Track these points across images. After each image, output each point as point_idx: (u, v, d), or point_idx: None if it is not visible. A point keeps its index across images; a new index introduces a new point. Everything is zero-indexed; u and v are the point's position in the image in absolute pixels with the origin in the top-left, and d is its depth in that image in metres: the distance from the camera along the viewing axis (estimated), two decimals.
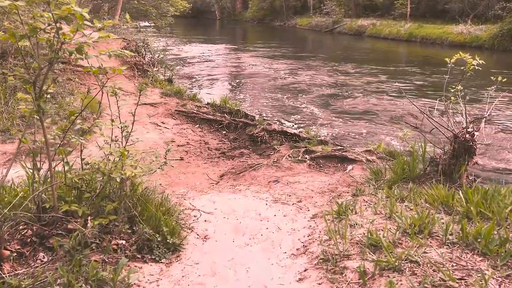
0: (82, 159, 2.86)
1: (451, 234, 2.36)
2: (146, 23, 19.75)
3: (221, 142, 7.10)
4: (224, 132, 7.60)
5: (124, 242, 2.48)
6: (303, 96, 12.10)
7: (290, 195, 4.03)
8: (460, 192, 2.87)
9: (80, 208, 2.42)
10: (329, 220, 2.99)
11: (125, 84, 8.90)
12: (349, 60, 19.33)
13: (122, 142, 3.23)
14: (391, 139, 8.29)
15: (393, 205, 2.88)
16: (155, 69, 9.76)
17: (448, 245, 2.29)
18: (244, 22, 47.17)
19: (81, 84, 8.27)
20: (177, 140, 6.84)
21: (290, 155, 5.91)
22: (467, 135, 3.95)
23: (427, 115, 4.36)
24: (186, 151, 6.38)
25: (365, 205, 3.22)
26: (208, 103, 8.67)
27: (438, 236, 2.39)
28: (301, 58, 19.70)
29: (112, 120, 3.08)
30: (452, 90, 4.37)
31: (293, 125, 9.37)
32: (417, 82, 13.96)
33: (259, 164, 5.32)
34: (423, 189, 3.41)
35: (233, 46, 25.82)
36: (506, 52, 20.55)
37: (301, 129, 7.70)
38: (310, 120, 9.65)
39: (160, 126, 7.36)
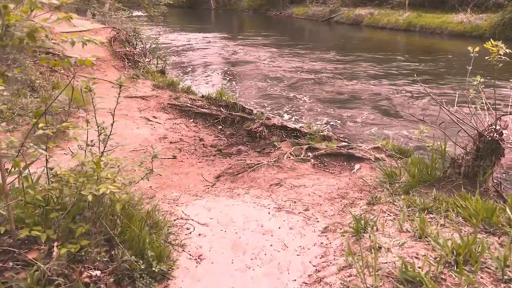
0: (49, 170, 2.37)
1: (507, 267, 1.91)
2: (140, 13, 19.09)
3: (217, 138, 6.62)
4: (220, 127, 7.13)
5: (99, 272, 2.03)
6: (300, 86, 11.62)
7: (295, 202, 3.58)
8: (507, 209, 2.41)
9: (43, 232, 1.96)
10: (345, 237, 2.54)
11: (114, 75, 8.39)
12: (346, 50, 18.81)
13: (100, 147, 2.75)
14: (395, 132, 7.85)
15: (423, 222, 2.43)
16: (146, 59, 9.22)
17: (506, 283, 1.85)
18: (240, 12, 46.35)
19: (67, 76, 7.74)
20: (169, 136, 6.36)
21: (292, 153, 5.46)
22: (495, 134, 3.50)
23: (447, 109, 3.91)
24: (179, 149, 5.91)
25: (386, 217, 2.77)
26: (203, 96, 8.18)
27: (490, 269, 1.95)
28: (298, 49, 19.15)
29: (88, 121, 2.60)
30: (475, 83, 3.91)
31: (291, 118, 8.91)
32: (415, 70, 13.51)
33: (258, 164, 4.86)
34: (450, 197, 2.97)
35: (228, 36, 25.18)
36: (507, 41, 19.91)
37: (302, 124, 7.22)
38: (309, 111, 9.19)
39: (151, 121, 6.87)
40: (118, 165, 2.55)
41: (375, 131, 7.99)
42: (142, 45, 9.52)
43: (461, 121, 3.90)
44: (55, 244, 1.96)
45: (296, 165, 4.80)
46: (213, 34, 25.15)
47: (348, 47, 20.15)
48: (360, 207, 3.20)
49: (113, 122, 2.73)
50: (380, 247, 2.28)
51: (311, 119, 8.79)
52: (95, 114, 2.76)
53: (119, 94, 2.84)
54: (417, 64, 15.13)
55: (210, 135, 6.78)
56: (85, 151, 2.61)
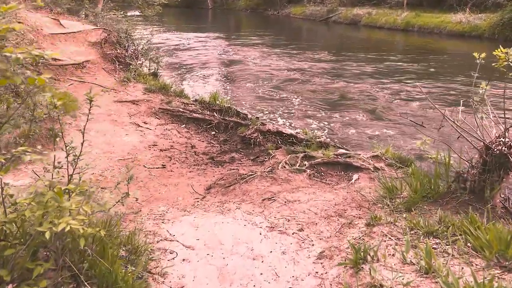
0: (8, 197, 2.09)
1: None
2: (136, 12, 18.80)
3: (209, 145, 6.37)
4: (213, 133, 6.87)
5: None
6: (296, 87, 11.37)
7: (289, 220, 3.33)
8: None
9: None
10: (342, 268, 2.29)
11: (105, 79, 8.13)
12: (343, 50, 18.57)
13: (70, 168, 2.49)
14: (393, 136, 7.61)
15: (429, 254, 2.17)
16: (138, 62, 8.95)
17: None
18: (237, 11, 46.10)
19: (55, 80, 7.47)
20: (160, 143, 6.10)
21: (287, 162, 5.21)
22: (503, 147, 3.26)
23: (451, 120, 3.66)
24: (169, 157, 5.65)
25: (387, 243, 2.53)
26: (196, 100, 7.92)
27: None
28: (294, 50, 18.90)
29: (55, 137, 2.34)
30: (480, 91, 3.67)
31: (285, 122, 8.66)
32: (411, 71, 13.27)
33: (251, 174, 4.61)
34: (457, 217, 2.72)
35: (224, 36, 24.91)
36: (507, 42, 19.87)
37: (298, 130, 6.97)
38: (304, 114, 8.95)
39: (141, 126, 6.61)
40: (87, 190, 2.27)
41: (373, 135, 7.75)
42: (134, 47, 9.24)
43: (466, 132, 3.66)
44: (9, 286, 1.71)
45: (291, 176, 4.55)
46: (209, 34, 24.88)
47: (345, 47, 19.92)
48: (359, 228, 2.95)
49: (82, 142, 2.46)
50: (381, 286, 2.03)
51: (306, 123, 8.54)
52: (62, 135, 2.49)
53: (89, 110, 2.56)
54: (415, 64, 14.90)
55: (203, 141, 6.52)
56: (52, 174, 2.34)
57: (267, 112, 9.27)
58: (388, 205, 3.50)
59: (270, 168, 5.04)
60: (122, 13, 15.27)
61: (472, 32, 21.98)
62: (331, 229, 3.05)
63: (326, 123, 8.59)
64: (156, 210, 4.07)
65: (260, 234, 3.11)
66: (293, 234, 3.05)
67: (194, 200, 4.30)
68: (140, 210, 4.07)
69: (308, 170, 4.81)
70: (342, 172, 5.08)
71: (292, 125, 8.43)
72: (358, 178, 4.79)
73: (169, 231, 3.30)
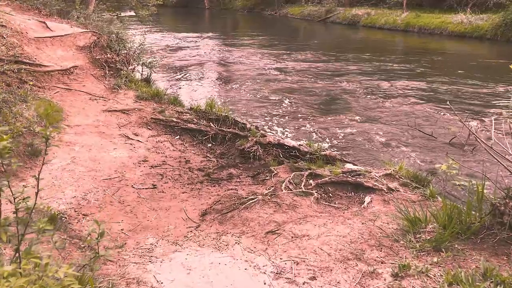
0: None
1: None
2: (132, 13, 18.25)
3: (205, 159, 5.87)
4: (210, 145, 6.37)
5: None
6: (295, 91, 10.88)
7: (298, 263, 2.83)
8: None
9: None
10: None
11: (93, 86, 7.61)
12: (342, 52, 18.09)
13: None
14: (403, 146, 7.13)
15: None
16: (130, 67, 8.43)
17: None
18: (234, 11, 45.60)
19: (39, 88, 6.94)
20: (151, 158, 5.59)
21: (291, 181, 4.72)
22: None
23: (483, 141, 3.17)
24: (161, 175, 5.14)
25: None
26: (191, 108, 7.41)
27: None
28: (291, 51, 18.41)
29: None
30: None
31: (284, 130, 8.17)
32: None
33: (252, 198, 4.10)
34: (506, 274, 2.23)
35: (221, 37, 24.42)
36: (510, 44, 19.48)
37: (301, 142, 6.47)
38: (304, 121, 8.45)
39: (131, 139, 6.10)
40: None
41: (381, 146, 7.26)
42: (125, 51, 8.71)
43: (500, 155, 3.18)
44: None
45: (296, 200, 4.05)
46: (205, 34, 24.37)
47: (344, 48, 19.43)
48: (384, 279, 2.46)
49: (37, 192, 1.95)
50: None
51: (306, 129, 8.05)
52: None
53: (44, 152, 2.05)
54: (420, 67, 14.43)
55: (198, 155, 6.02)
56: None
57: (265, 117, 8.77)
58: (412, 241, 3.01)
59: (272, 188, 4.55)
60: (116, 14, 14.78)
61: (474, 33, 21.53)
62: (350, 278, 2.56)
63: (327, 129, 8.09)
64: (143, 243, 3.57)
65: (265, 284, 2.61)
66: (304, 284, 2.56)
67: (187, 230, 3.80)
68: (125, 243, 3.57)
69: (315, 193, 4.32)
70: (353, 193, 4.59)
71: (291, 131, 7.93)
72: (371, 201, 4.30)
73: (156, 277, 2.79)
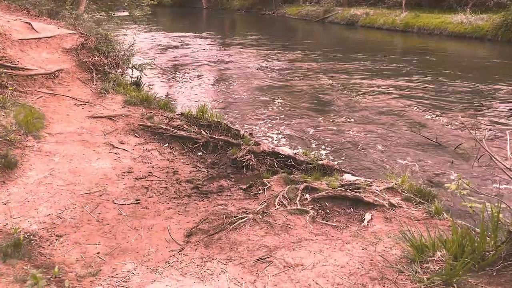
0: None
1: None
2: (125, 13, 17.87)
3: (195, 169, 5.52)
4: (200, 153, 6.03)
5: None
6: (292, 94, 10.54)
7: None
8: None
9: None
10: None
11: (79, 90, 7.25)
12: (341, 53, 17.75)
13: None
14: (404, 153, 6.78)
15: None
16: (119, 70, 8.06)
17: None
18: (232, 11, 45.24)
19: (21, 92, 6.57)
20: (136, 169, 5.24)
21: (286, 196, 4.37)
22: None
23: (498, 160, 2.83)
24: (146, 187, 4.79)
25: None
26: (181, 113, 7.06)
27: None
28: (290, 52, 18.07)
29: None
30: None
31: (278, 134, 7.82)
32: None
33: (242, 218, 3.75)
34: None
35: (217, 37, 24.07)
36: (510, 44, 19.17)
37: (296, 150, 6.13)
38: (299, 125, 8.09)
39: (116, 148, 5.74)
40: None
41: (380, 154, 6.91)
42: (115, 53, 8.35)
43: None
44: None
45: (290, 220, 3.71)
46: (201, 34, 24.02)
47: (344, 48, 19.10)
48: None
49: None
50: None
51: (301, 133, 7.70)
52: None
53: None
54: (420, 69, 14.10)
55: (187, 164, 5.67)
56: None
57: (258, 120, 8.42)
58: (419, 273, 2.67)
59: (265, 204, 4.20)
60: (109, 14, 14.39)
61: (474, 34, 21.24)
62: None
63: (323, 134, 7.75)
64: (120, 269, 3.22)
65: None
66: None
67: (170, 254, 3.45)
68: (100, 270, 3.22)
69: (311, 211, 3.97)
70: (351, 209, 4.25)
71: (285, 135, 7.58)
72: (372, 219, 3.97)
73: None
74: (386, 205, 4.14)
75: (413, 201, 4.25)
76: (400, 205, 4.17)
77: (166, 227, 3.93)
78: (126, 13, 17.70)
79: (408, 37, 23.55)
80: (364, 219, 3.99)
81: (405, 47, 20.82)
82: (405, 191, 4.41)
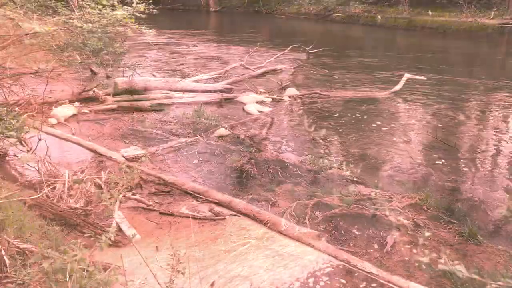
0: None
1: None
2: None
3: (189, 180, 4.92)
4: (196, 161, 5.45)
5: None
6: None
7: None
8: None
9: None
10: None
11: (64, 90, 6.67)
12: (342, 53, 17.19)
13: None
14: (416, 158, 6.17)
15: None
16: (109, 69, 7.47)
17: None
18: (230, 10, 44.61)
19: None
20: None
21: (293, 214, 3.79)
22: None
23: None
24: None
25: None
26: (176, 116, 6.49)
27: None
28: (288, 52, 17.50)
29: None
30: None
31: (282, 140, 7.21)
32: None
33: (243, 244, 3.17)
34: None
35: (215, 37, 23.49)
36: None
37: (302, 158, 5.51)
38: (305, 135, 7.49)
39: (103, 156, 5.16)
40: None
41: (396, 162, 6.28)
42: (105, 51, 7.75)
43: None
44: None
45: (299, 246, 3.12)
46: (198, 33, 23.43)
47: (344, 48, 18.52)
48: None
49: None
50: None
51: (309, 137, 7.09)
52: None
53: None
54: (429, 66, 13.52)
55: (181, 174, 5.09)
56: None
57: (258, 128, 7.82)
58: None
59: (269, 224, 3.62)
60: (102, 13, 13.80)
61: (480, 31, 20.67)
62: None
63: (328, 138, 7.14)
64: None
65: None
66: None
67: None
68: None
69: (324, 237, 3.37)
70: (370, 230, 3.66)
71: (289, 139, 6.97)
72: (394, 244, 3.38)
73: None
74: (411, 226, 3.56)
75: (441, 220, 3.68)
76: (426, 224, 3.60)
77: None
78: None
79: (411, 37, 22.97)
80: (386, 242, 3.41)
81: (411, 46, 20.25)
82: (431, 208, 3.84)
